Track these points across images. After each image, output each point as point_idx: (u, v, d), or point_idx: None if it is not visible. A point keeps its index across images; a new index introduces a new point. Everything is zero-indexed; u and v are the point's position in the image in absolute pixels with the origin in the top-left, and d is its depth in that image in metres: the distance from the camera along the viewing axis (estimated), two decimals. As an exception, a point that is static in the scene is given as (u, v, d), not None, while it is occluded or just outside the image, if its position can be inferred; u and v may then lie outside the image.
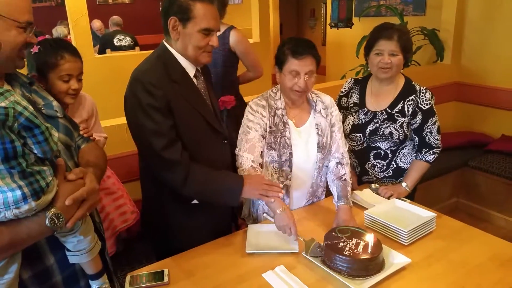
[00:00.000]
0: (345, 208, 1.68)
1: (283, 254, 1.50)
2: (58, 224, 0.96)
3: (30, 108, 0.92)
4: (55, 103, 1.16)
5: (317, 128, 1.79)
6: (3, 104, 0.85)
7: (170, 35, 1.50)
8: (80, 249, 1.09)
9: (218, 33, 2.14)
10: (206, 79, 1.68)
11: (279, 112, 1.75)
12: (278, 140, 1.73)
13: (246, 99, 2.56)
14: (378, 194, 1.91)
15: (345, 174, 1.81)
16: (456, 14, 3.50)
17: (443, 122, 3.54)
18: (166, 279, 1.37)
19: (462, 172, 3.30)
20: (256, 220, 1.85)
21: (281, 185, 1.68)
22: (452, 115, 3.70)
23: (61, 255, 1.09)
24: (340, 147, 1.84)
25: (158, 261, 1.53)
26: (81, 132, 1.29)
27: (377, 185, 1.98)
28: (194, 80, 1.59)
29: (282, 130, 1.73)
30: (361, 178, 2.08)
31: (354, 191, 1.93)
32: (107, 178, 1.86)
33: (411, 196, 1.96)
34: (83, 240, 1.08)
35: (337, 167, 1.83)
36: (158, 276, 1.39)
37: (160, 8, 1.56)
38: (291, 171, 1.75)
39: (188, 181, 1.48)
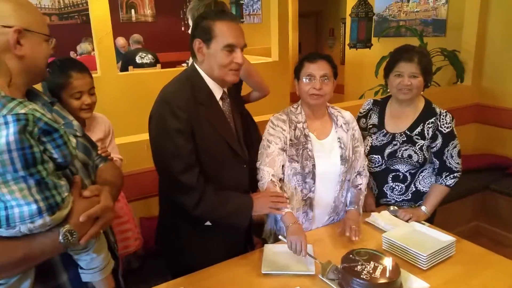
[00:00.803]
0: (353, 213, 1.79)
1: (299, 275, 1.49)
2: (71, 240, 0.97)
3: (48, 114, 0.95)
4: (75, 122, 1.20)
5: (339, 141, 1.82)
6: (23, 111, 0.87)
7: (197, 57, 1.54)
8: (93, 267, 1.09)
9: None
10: (232, 100, 1.70)
11: (300, 125, 1.80)
12: (301, 152, 1.76)
13: (264, 117, 2.58)
14: (396, 216, 1.89)
15: (361, 184, 1.89)
16: (477, 35, 3.48)
17: (464, 144, 3.49)
18: (182, 297, 1.38)
19: (483, 195, 3.23)
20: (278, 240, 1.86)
21: (303, 198, 1.77)
22: (473, 137, 3.64)
23: (74, 272, 1.09)
24: (362, 161, 1.90)
25: (173, 279, 1.53)
26: (99, 151, 1.32)
27: (396, 208, 1.96)
28: (220, 102, 1.61)
29: (304, 143, 1.77)
30: (379, 200, 2.05)
31: (372, 213, 1.91)
32: (116, 201, 1.88)
33: (431, 220, 1.93)
34: (96, 258, 1.08)
35: (355, 177, 1.89)
36: (175, 293, 1.40)
37: (185, 30, 1.60)
38: (314, 183, 1.77)
39: (200, 206, 1.51)
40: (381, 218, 1.87)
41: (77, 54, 6.05)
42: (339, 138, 1.83)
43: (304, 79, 1.77)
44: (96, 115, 1.88)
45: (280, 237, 1.66)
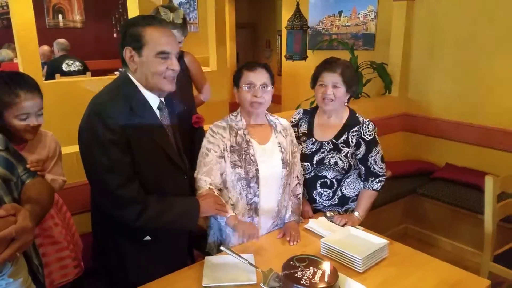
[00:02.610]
0: (292, 223, 1.90)
1: (241, 286, 1.47)
2: None
3: None
4: None
5: (280, 146, 1.87)
6: None
7: (129, 67, 1.47)
8: None
9: None
10: (171, 110, 1.64)
11: (240, 132, 1.81)
12: (243, 157, 1.78)
13: (204, 127, 2.56)
14: (333, 222, 1.95)
15: (300, 193, 1.99)
16: (403, 50, 3.72)
17: (392, 151, 3.72)
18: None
19: (410, 199, 3.44)
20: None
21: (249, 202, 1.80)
22: (400, 144, 3.88)
23: None
24: (299, 166, 1.98)
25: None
26: (27, 166, 1.22)
27: (332, 213, 2.02)
28: (158, 112, 1.55)
29: (245, 148, 1.79)
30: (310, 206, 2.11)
31: (310, 220, 1.96)
32: (54, 225, 1.72)
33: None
34: (13, 283, 0.99)
35: (295, 185, 1.96)
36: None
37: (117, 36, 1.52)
38: (258, 187, 1.79)
39: (142, 217, 1.44)
40: (319, 224, 1.92)
41: (-2, 61, 5.61)
42: (279, 143, 1.88)
43: (244, 87, 1.78)
44: (45, 133, 1.71)
45: (221, 247, 1.63)
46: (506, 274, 2.25)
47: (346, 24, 4.56)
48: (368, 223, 2.08)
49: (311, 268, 1.44)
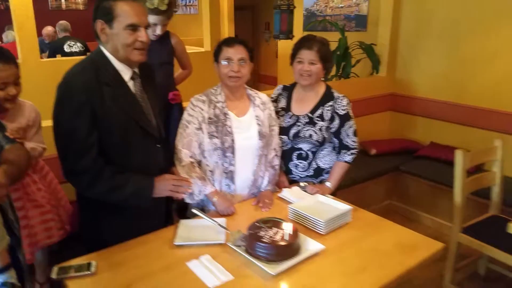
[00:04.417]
0: (268, 191, 2.03)
1: (210, 245, 1.59)
2: None
3: None
4: None
5: (257, 119, 1.98)
6: None
7: (100, 39, 1.55)
8: None
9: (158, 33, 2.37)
10: (148, 81, 1.70)
11: (219, 105, 1.92)
12: (220, 129, 1.89)
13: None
14: (306, 191, 2.06)
15: (277, 164, 2.10)
16: (391, 30, 3.77)
17: (380, 130, 3.81)
18: (92, 269, 1.42)
19: (394, 175, 3.53)
20: None
21: (223, 173, 1.90)
22: (388, 123, 3.96)
23: None
24: (277, 139, 2.08)
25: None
26: (7, 134, 1.32)
27: (306, 184, 2.13)
28: (131, 82, 1.62)
29: (223, 120, 1.90)
30: (286, 176, 2.22)
31: (284, 189, 2.07)
32: (37, 190, 1.84)
33: (333, 194, 2.11)
34: None
35: (273, 157, 2.07)
36: (85, 267, 1.43)
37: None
38: (234, 157, 1.91)
39: (90, 189, 1.53)
40: (291, 193, 2.03)
41: (3, 42, 5.72)
42: (256, 116, 1.98)
43: (222, 62, 1.88)
44: (24, 103, 1.82)
45: (193, 210, 1.75)
46: (473, 245, 2.36)
47: (340, 6, 4.59)
48: (353, 199, 2.14)
49: (274, 228, 1.56)
